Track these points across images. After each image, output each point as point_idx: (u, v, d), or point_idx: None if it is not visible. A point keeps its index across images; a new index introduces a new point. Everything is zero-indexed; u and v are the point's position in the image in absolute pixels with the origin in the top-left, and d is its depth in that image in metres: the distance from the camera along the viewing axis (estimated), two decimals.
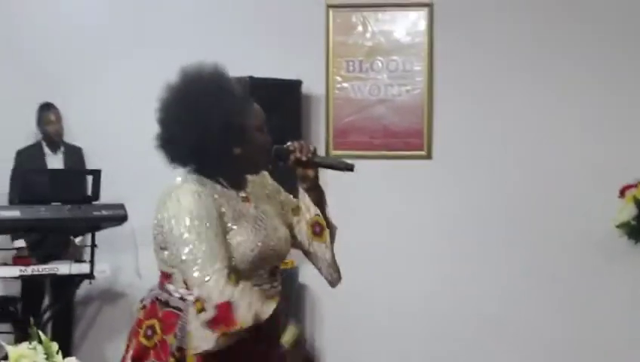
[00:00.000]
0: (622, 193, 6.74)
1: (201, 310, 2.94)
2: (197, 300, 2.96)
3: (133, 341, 3.21)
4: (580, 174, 7.23)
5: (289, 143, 3.28)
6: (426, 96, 7.49)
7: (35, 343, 3.15)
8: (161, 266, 3.22)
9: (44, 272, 6.75)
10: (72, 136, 7.67)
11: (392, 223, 7.29)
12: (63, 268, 6.77)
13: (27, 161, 7.42)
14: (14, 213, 6.42)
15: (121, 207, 6.79)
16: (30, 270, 6.69)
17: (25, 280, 6.86)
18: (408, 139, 7.51)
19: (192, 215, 3.05)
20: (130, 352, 3.20)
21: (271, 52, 7.08)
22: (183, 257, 3.01)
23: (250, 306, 2.94)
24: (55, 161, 7.48)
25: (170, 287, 3.17)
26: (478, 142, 7.41)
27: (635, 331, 7.05)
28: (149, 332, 3.15)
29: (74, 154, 7.55)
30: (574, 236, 7.22)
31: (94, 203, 6.80)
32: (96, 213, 6.72)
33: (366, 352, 7.28)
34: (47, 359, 3.11)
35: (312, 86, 7.38)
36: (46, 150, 7.49)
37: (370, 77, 7.59)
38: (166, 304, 3.16)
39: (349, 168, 3.33)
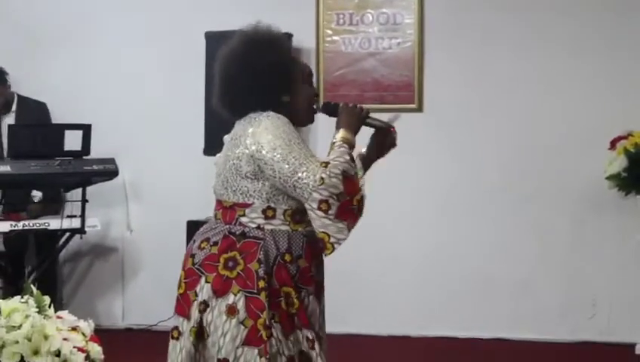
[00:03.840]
0: (612, 145, 6.74)
1: (327, 209, 3.23)
2: (321, 202, 3.22)
3: (205, 276, 3.34)
4: (570, 127, 7.22)
5: (341, 103, 3.54)
6: (416, 49, 7.46)
7: (27, 297, 3.16)
8: (234, 198, 3.38)
9: (34, 227, 6.74)
10: (61, 93, 7.62)
11: (383, 177, 7.27)
12: (54, 223, 6.76)
13: None
14: (4, 168, 6.39)
15: (112, 161, 6.78)
16: (21, 225, 6.68)
17: (10, 235, 6.84)
18: (399, 92, 7.49)
19: (282, 134, 3.31)
20: (206, 287, 3.33)
21: (261, 5, 7.04)
22: (290, 173, 3.26)
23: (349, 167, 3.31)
24: (9, 120, 7.37)
25: (244, 220, 3.36)
26: (469, 95, 7.39)
27: (625, 283, 7.07)
28: (231, 264, 3.33)
29: (34, 111, 7.46)
30: (565, 189, 7.23)
31: (85, 158, 6.78)
32: (86, 168, 6.71)
33: (357, 306, 7.31)
34: (39, 312, 3.12)
35: (303, 39, 7.35)
36: None
37: (361, 30, 7.56)
38: (243, 235, 3.35)
39: (390, 127, 3.63)
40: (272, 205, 3.34)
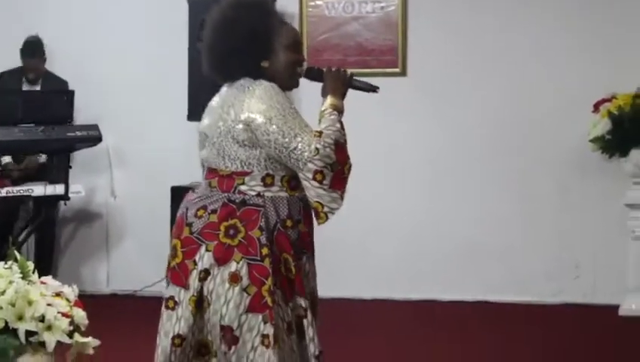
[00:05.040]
0: (596, 108, 6.76)
1: (322, 179, 3.29)
2: (316, 173, 3.28)
3: (206, 244, 3.34)
4: (555, 91, 7.22)
5: (325, 68, 3.54)
6: (400, 13, 7.44)
7: (10, 263, 3.16)
8: (232, 166, 3.38)
9: (18, 194, 6.73)
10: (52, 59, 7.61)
11: (368, 141, 7.29)
12: (38, 189, 6.75)
13: (5, 83, 7.45)
14: None
15: (95, 127, 6.77)
16: (5, 191, 6.66)
17: None
18: (383, 56, 7.48)
19: (276, 104, 3.32)
20: (207, 255, 3.33)
21: None
22: (285, 144, 3.28)
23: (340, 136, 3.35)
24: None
25: (243, 188, 3.36)
26: (453, 59, 7.38)
27: (609, 245, 7.11)
28: (232, 232, 3.33)
29: (56, 86, 7.48)
30: (550, 153, 7.25)
31: (68, 124, 6.76)
32: (70, 134, 6.70)
33: (343, 270, 7.32)
34: (23, 278, 3.12)
35: (286, 4, 7.28)
36: (24, 80, 7.47)
37: None
38: (243, 203, 3.35)
39: (375, 90, 3.62)
40: (271, 172, 3.36)
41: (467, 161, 7.37)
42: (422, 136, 7.42)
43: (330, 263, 6.89)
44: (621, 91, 6.73)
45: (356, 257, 7.44)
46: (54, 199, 6.89)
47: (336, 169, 3.29)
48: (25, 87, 7.47)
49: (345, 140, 3.34)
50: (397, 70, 7.45)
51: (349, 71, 3.55)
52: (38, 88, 7.48)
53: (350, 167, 3.34)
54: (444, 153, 7.40)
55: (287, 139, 3.27)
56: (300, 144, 3.27)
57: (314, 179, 3.28)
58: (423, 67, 7.40)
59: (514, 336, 6.42)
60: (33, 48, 7.43)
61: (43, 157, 7.29)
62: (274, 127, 3.28)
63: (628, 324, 6.66)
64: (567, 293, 7.23)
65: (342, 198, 3.33)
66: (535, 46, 7.28)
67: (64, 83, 7.49)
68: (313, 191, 3.29)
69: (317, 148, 3.26)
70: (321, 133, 3.29)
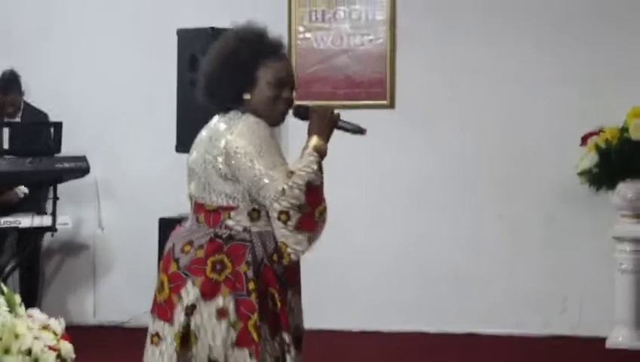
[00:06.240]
0: (584, 140, 6.79)
1: (287, 220, 3.24)
2: (281, 213, 3.24)
3: (193, 279, 3.33)
4: (543, 123, 7.25)
5: (311, 104, 3.59)
6: (388, 46, 7.47)
7: None
8: (219, 201, 3.38)
9: (5, 225, 6.70)
10: (33, 91, 7.58)
11: (355, 173, 7.30)
12: (25, 221, 6.73)
13: None
14: None
15: (83, 159, 6.77)
16: None
17: None
18: (371, 89, 7.50)
19: (255, 140, 3.31)
20: (193, 290, 3.32)
21: (232, 3, 7.02)
22: (255, 181, 3.27)
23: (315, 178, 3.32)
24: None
25: (230, 223, 3.35)
26: (440, 92, 7.41)
27: (596, 278, 7.11)
28: (218, 267, 3.32)
29: (36, 119, 7.45)
30: (537, 184, 7.26)
31: (56, 155, 6.75)
32: (57, 166, 6.70)
33: (328, 301, 7.30)
34: (9, 311, 3.10)
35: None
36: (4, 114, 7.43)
37: (333, 27, 7.56)
38: (230, 238, 3.34)
39: (362, 132, 3.56)
40: (257, 207, 3.34)
41: (455, 192, 7.37)
42: (409, 167, 7.43)
43: (315, 294, 6.90)
44: (610, 124, 6.76)
45: (342, 288, 7.43)
46: (41, 231, 6.87)
47: (306, 211, 3.25)
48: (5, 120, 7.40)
49: (320, 182, 3.32)
50: (385, 102, 7.46)
51: (337, 111, 3.53)
52: (16, 121, 7.40)
53: (324, 209, 3.31)
54: (432, 184, 7.40)
55: (257, 177, 3.26)
56: (268, 182, 3.25)
57: (278, 219, 3.25)
58: (411, 99, 7.42)
59: None
60: (9, 83, 7.33)
61: (22, 190, 7.23)
62: (248, 163, 3.27)
63: (615, 357, 6.67)
64: (554, 325, 7.23)
65: (309, 241, 3.29)
66: (524, 78, 7.30)
67: (44, 115, 7.45)
68: (278, 231, 3.27)
69: (283, 189, 3.22)
70: (292, 173, 3.27)
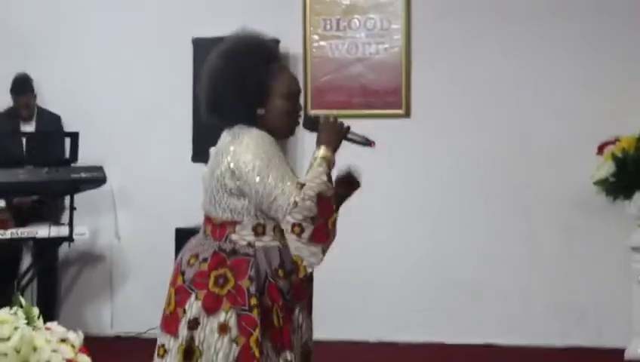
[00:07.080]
0: (600, 150, 6.75)
1: (300, 232, 3.23)
2: (294, 226, 3.23)
3: (196, 293, 3.33)
4: (560, 132, 7.23)
5: (321, 118, 3.53)
6: (403, 55, 7.47)
7: (15, 308, 3.14)
8: (224, 216, 3.38)
9: (22, 236, 6.71)
10: (48, 100, 7.62)
11: (371, 182, 7.27)
12: (42, 231, 6.73)
13: (3, 125, 7.42)
14: None
15: (100, 169, 6.78)
16: (9, 233, 6.65)
17: (1, 244, 6.82)
18: (387, 97, 7.49)
19: (262, 154, 3.31)
20: (196, 304, 3.32)
21: (247, 11, 7.04)
22: (265, 195, 3.26)
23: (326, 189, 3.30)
24: (28, 128, 7.45)
25: (234, 237, 3.36)
26: (456, 101, 7.39)
27: (613, 288, 7.07)
28: (221, 281, 3.32)
29: (50, 122, 7.49)
30: (554, 194, 7.23)
31: (73, 165, 6.76)
32: (74, 176, 6.70)
33: (346, 312, 7.29)
34: (28, 324, 3.10)
35: (290, 45, 7.33)
36: (19, 118, 7.47)
37: (348, 35, 7.56)
38: (233, 253, 3.34)
39: (370, 144, 3.60)
40: (262, 221, 3.34)
41: (471, 202, 7.36)
42: (424, 177, 7.41)
43: (333, 305, 6.90)
44: (626, 132, 6.73)
45: (359, 299, 7.41)
46: (58, 241, 6.88)
47: (318, 223, 3.25)
48: (21, 126, 7.44)
49: (332, 194, 3.30)
50: (400, 112, 7.45)
51: (346, 123, 3.52)
52: (32, 124, 7.45)
53: (335, 220, 3.30)
54: (448, 194, 7.39)
55: (267, 190, 3.25)
56: (279, 196, 3.24)
57: (292, 232, 3.24)
58: (427, 108, 7.41)
59: None
60: (22, 86, 7.40)
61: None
62: (257, 177, 3.27)
63: None
64: (572, 336, 7.19)
65: (323, 253, 3.28)
66: (540, 87, 7.29)
67: (57, 118, 7.51)
68: (292, 244, 3.26)
69: (296, 201, 3.22)
70: (303, 185, 3.26)
